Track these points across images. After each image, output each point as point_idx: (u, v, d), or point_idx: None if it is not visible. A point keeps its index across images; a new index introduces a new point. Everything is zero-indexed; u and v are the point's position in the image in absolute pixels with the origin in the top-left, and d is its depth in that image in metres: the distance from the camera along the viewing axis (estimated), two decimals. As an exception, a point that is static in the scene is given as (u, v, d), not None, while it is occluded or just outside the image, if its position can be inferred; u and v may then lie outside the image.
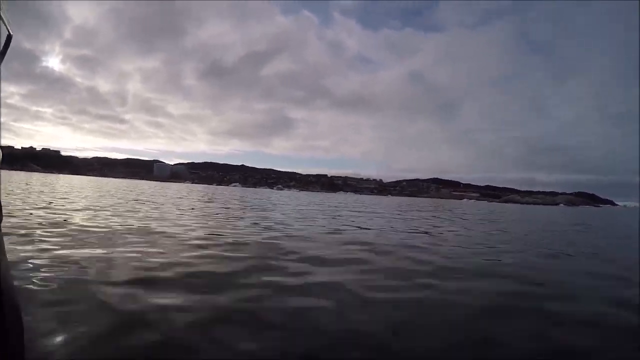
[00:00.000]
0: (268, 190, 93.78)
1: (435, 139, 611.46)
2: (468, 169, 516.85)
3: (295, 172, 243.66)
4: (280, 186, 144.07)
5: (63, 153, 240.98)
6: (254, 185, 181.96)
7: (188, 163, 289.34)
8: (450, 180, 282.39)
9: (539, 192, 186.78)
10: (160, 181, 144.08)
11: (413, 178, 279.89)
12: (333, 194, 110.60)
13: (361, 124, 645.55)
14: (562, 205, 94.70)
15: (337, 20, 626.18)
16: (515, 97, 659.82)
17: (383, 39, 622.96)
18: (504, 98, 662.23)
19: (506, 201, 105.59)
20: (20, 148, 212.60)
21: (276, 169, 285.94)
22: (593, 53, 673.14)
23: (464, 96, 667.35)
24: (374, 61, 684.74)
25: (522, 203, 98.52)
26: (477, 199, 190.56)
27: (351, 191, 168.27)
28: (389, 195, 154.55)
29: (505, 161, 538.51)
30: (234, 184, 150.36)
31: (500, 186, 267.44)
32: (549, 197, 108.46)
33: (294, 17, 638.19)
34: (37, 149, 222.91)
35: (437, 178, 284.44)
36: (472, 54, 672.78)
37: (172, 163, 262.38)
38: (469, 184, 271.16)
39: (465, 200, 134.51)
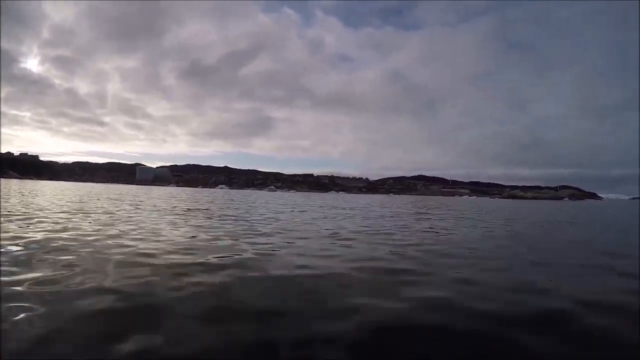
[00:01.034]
0: (262, 192, 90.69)
1: (417, 137, 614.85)
2: (450, 166, 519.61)
3: (279, 172, 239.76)
4: (272, 187, 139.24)
5: (43, 158, 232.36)
6: (241, 186, 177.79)
7: (170, 166, 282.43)
8: (436, 177, 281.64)
9: (544, 187, 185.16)
10: (143, 185, 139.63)
11: (397, 176, 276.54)
12: (325, 193, 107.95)
13: (342, 123, 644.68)
14: (567, 199, 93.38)
15: (318, 17, 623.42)
16: (497, 94, 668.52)
17: (364, 37, 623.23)
18: (485, 95, 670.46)
19: (510, 197, 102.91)
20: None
21: (259, 169, 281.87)
22: (574, 49, 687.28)
23: (445, 94, 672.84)
24: (355, 60, 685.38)
25: (526, 198, 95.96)
26: (469, 194, 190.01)
27: (340, 190, 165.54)
28: (390, 194, 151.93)
29: (486, 157, 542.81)
30: (220, 186, 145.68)
31: (485, 182, 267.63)
32: (551, 191, 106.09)
33: (275, 15, 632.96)
34: (15, 154, 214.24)
35: (422, 175, 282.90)
36: (454, 51, 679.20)
37: (154, 166, 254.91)
38: (455, 180, 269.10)
39: (465, 197, 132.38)
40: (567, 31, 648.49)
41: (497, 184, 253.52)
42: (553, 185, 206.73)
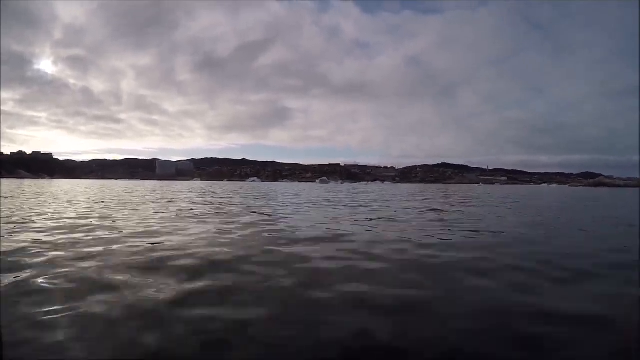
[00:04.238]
0: (314, 184, 78.45)
1: (435, 123, 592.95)
2: (469, 153, 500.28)
3: (300, 164, 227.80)
4: (324, 179, 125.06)
5: (61, 158, 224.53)
6: (268, 179, 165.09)
7: (188, 160, 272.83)
8: (461, 165, 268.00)
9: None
10: (164, 180, 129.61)
11: (420, 164, 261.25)
12: (372, 184, 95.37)
13: (359, 111, 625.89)
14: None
15: (334, 4, 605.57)
16: (515, 78, 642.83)
17: (381, 22, 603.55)
18: (503, 79, 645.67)
19: (595, 184, 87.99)
20: (9, 154, 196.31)
21: (277, 160, 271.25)
22: (593, 30, 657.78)
23: (463, 79, 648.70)
24: (372, 46, 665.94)
25: (617, 186, 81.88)
26: (506, 182, 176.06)
27: (374, 180, 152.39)
28: (445, 183, 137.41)
29: (504, 143, 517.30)
30: (251, 179, 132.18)
31: (509, 169, 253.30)
32: (637, 179, 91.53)
33: (289, 4, 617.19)
34: (27, 153, 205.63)
35: (445, 163, 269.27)
36: (473, 35, 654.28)
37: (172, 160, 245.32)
38: (477, 167, 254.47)
39: (545, 185, 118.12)
40: (587, 12, 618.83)
41: (522, 171, 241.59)
42: (575, 172, 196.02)
